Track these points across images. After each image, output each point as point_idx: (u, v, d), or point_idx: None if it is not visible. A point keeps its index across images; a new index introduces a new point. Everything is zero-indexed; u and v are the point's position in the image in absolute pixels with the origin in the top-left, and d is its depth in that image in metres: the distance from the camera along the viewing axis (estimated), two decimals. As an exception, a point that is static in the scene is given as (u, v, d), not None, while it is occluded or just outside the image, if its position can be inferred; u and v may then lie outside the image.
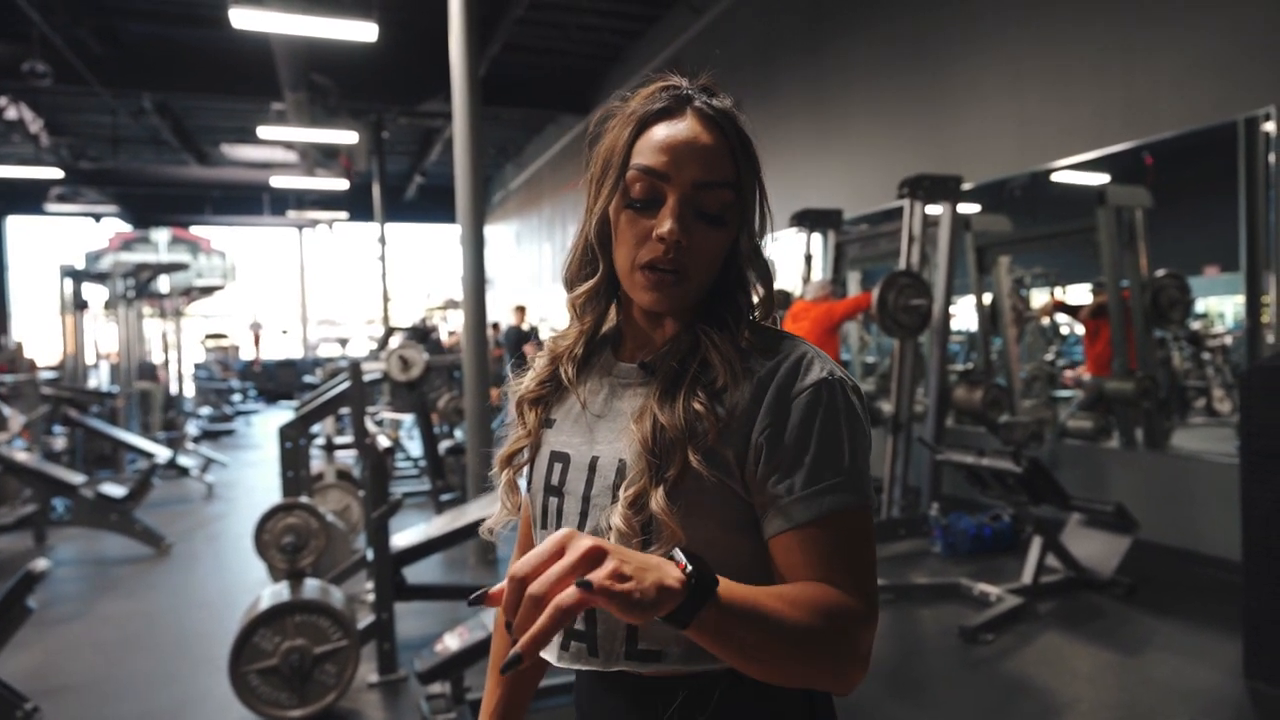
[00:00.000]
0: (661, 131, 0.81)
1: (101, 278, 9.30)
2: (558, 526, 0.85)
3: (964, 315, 6.63)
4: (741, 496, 0.79)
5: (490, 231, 18.62)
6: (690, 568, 0.64)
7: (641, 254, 0.80)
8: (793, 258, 6.59)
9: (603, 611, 0.77)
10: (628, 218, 0.82)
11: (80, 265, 9.16)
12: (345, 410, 5.15)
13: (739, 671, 0.78)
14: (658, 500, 0.74)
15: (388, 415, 7.76)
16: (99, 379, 10.84)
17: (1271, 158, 3.91)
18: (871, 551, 0.77)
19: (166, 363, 11.13)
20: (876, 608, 0.75)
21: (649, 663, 0.79)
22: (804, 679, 0.73)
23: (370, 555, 3.23)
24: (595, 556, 0.61)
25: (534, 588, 0.59)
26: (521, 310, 10.80)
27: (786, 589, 0.72)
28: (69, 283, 8.64)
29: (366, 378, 5.14)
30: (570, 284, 0.90)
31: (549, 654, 0.84)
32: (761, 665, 0.70)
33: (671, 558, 0.65)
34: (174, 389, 10.79)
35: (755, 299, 0.88)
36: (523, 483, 0.93)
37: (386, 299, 13.79)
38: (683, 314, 0.86)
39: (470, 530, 3.19)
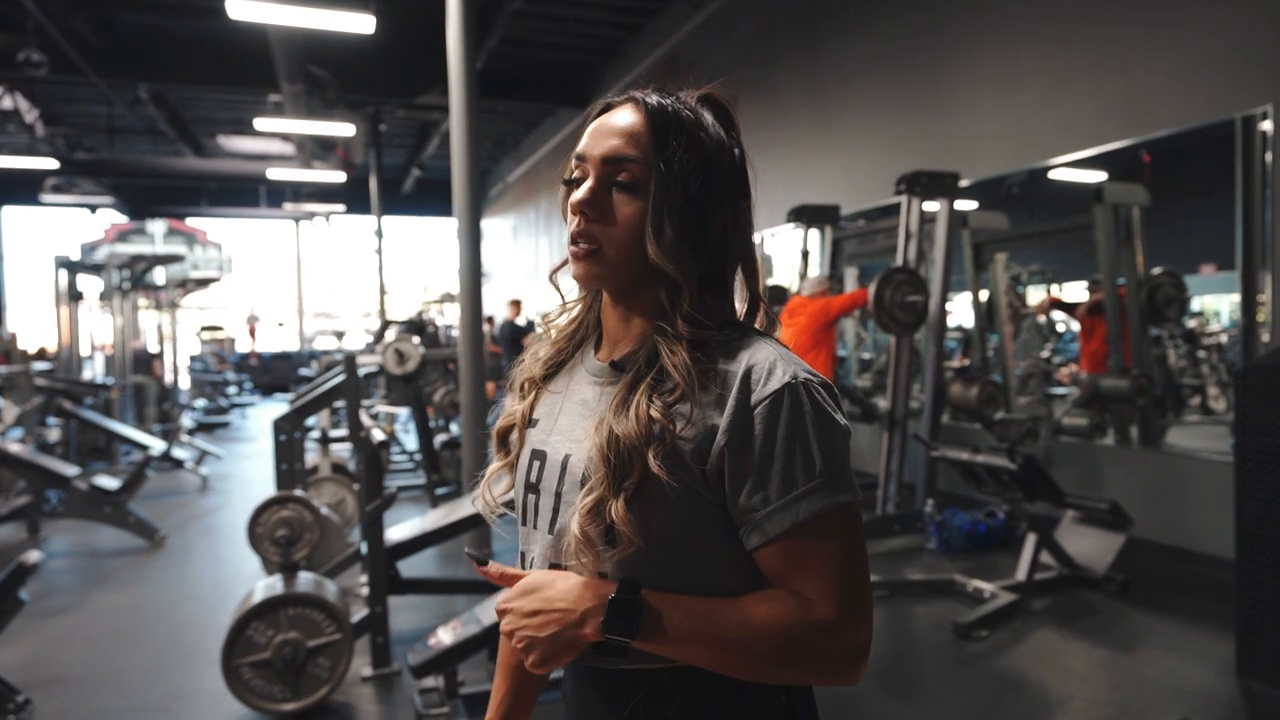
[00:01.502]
0: (597, 122, 0.85)
1: (97, 269, 9.25)
2: (534, 524, 0.88)
3: (960, 312, 6.63)
4: (706, 498, 0.78)
5: (487, 225, 18.60)
6: (605, 619, 0.74)
7: (568, 229, 0.84)
8: (789, 253, 6.59)
9: None
10: (565, 200, 0.86)
11: (75, 256, 9.12)
12: (340, 403, 5.14)
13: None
14: (617, 510, 0.75)
15: (383, 409, 7.75)
16: (94, 371, 10.81)
17: (1268, 156, 3.91)
18: (855, 549, 0.76)
19: (161, 354, 11.11)
20: (859, 608, 0.75)
21: (616, 658, 0.79)
22: (780, 682, 0.79)
23: (364, 549, 3.22)
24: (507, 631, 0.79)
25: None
26: (517, 305, 10.79)
27: (746, 606, 0.76)
28: (64, 274, 8.61)
29: (362, 371, 5.13)
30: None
31: None
32: (724, 673, 0.77)
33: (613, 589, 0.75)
34: (169, 381, 10.77)
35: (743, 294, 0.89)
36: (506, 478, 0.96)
37: (383, 292, 13.76)
38: (646, 311, 0.85)
39: (465, 524, 3.18)
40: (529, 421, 0.93)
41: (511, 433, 0.94)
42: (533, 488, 0.88)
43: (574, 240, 0.83)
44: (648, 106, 0.83)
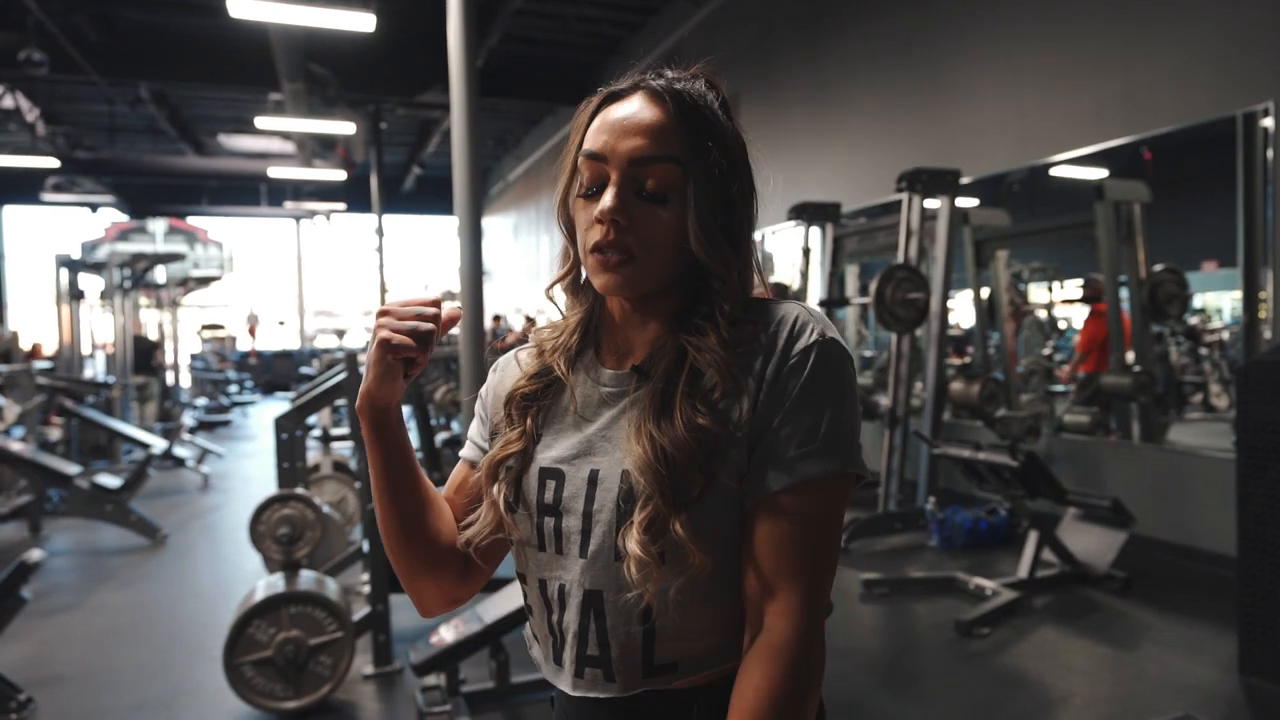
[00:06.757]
0: (607, 114, 0.78)
1: (98, 268, 9.25)
2: (558, 549, 0.79)
3: (962, 309, 6.63)
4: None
5: (488, 223, 18.58)
6: None
7: (589, 237, 0.77)
8: (790, 250, 6.59)
9: (616, 632, 0.76)
10: (580, 205, 0.79)
11: (76, 255, 9.12)
12: (342, 401, 5.14)
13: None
14: (681, 526, 0.71)
15: (384, 407, 7.73)
16: (95, 369, 10.81)
17: (1269, 153, 3.90)
18: (836, 524, 0.75)
19: (162, 342, 11.11)
20: (822, 596, 0.73)
21: (667, 675, 0.76)
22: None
23: (366, 547, 3.22)
24: None
25: None
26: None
27: (760, 688, 0.71)
28: (65, 273, 8.61)
29: (363, 369, 5.11)
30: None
31: (564, 684, 0.80)
32: None
33: None
34: (170, 379, 10.78)
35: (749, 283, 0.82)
36: (500, 497, 0.84)
37: (384, 290, 13.76)
38: (664, 312, 0.81)
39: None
40: (534, 438, 0.84)
41: (507, 464, 0.83)
42: (549, 509, 0.80)
43: (600, 249, 0.76)
44: (671, 98, 0.77)
